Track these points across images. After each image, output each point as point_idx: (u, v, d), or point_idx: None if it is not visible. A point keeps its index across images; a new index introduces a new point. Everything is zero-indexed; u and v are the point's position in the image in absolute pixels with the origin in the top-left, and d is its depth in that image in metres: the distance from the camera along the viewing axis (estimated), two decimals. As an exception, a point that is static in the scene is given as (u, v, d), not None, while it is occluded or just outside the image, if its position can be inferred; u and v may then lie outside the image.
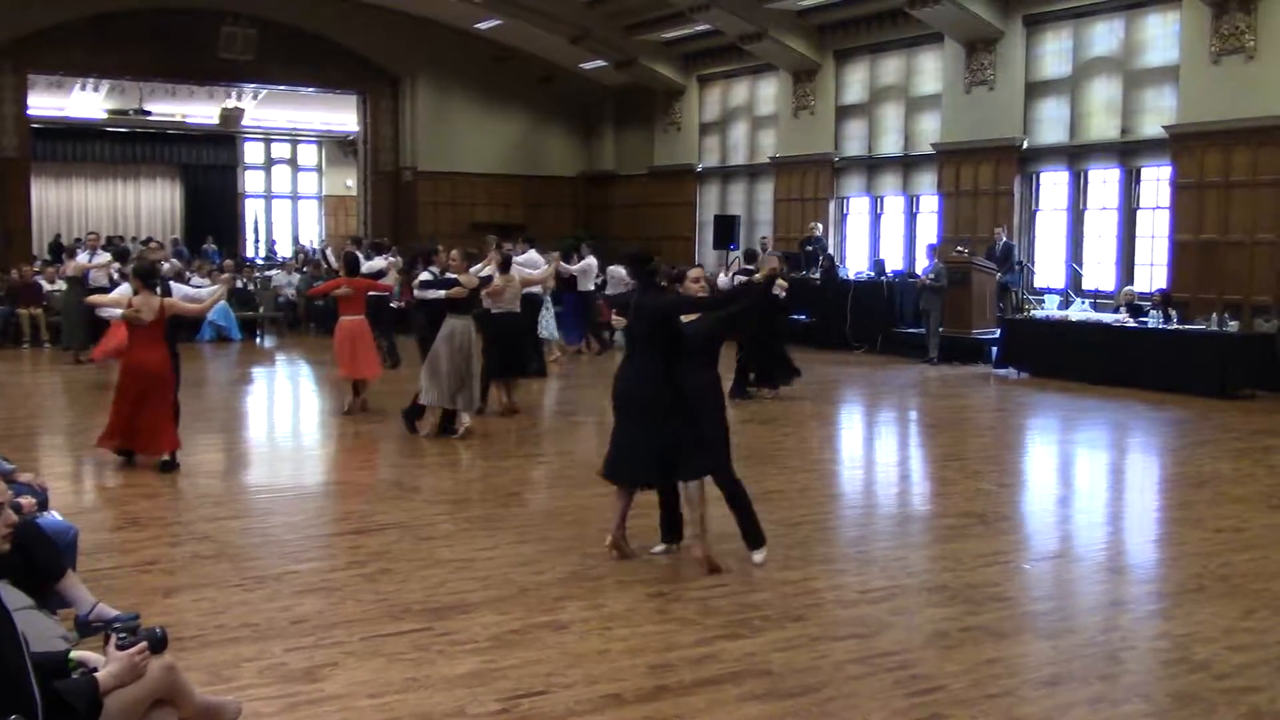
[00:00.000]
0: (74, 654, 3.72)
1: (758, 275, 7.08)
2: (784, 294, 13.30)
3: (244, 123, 30.59)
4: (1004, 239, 17.79)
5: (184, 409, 12.42)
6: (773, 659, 5.21)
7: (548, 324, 16.91)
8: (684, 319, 6.72)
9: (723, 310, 7.23)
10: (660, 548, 6.88)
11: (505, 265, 12.28)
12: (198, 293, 10.33)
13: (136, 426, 9.05)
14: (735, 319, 7.57)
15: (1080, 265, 17.71)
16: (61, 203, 30.88)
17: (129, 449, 9.22)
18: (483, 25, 24.83)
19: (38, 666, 3.43)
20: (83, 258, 16.49)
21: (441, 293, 10.64)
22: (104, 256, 16.04)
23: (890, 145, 20.88)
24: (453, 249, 11.51)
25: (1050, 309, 16.70)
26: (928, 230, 20.04)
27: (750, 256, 16.20)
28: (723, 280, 15.63)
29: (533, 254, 16.05)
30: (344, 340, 11.92)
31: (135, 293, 9.11)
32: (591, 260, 18.93)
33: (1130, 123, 16.85)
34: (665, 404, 6.52)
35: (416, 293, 10.96)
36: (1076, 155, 17.77)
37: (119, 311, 9.14)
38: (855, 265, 21.17)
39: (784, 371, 13.69)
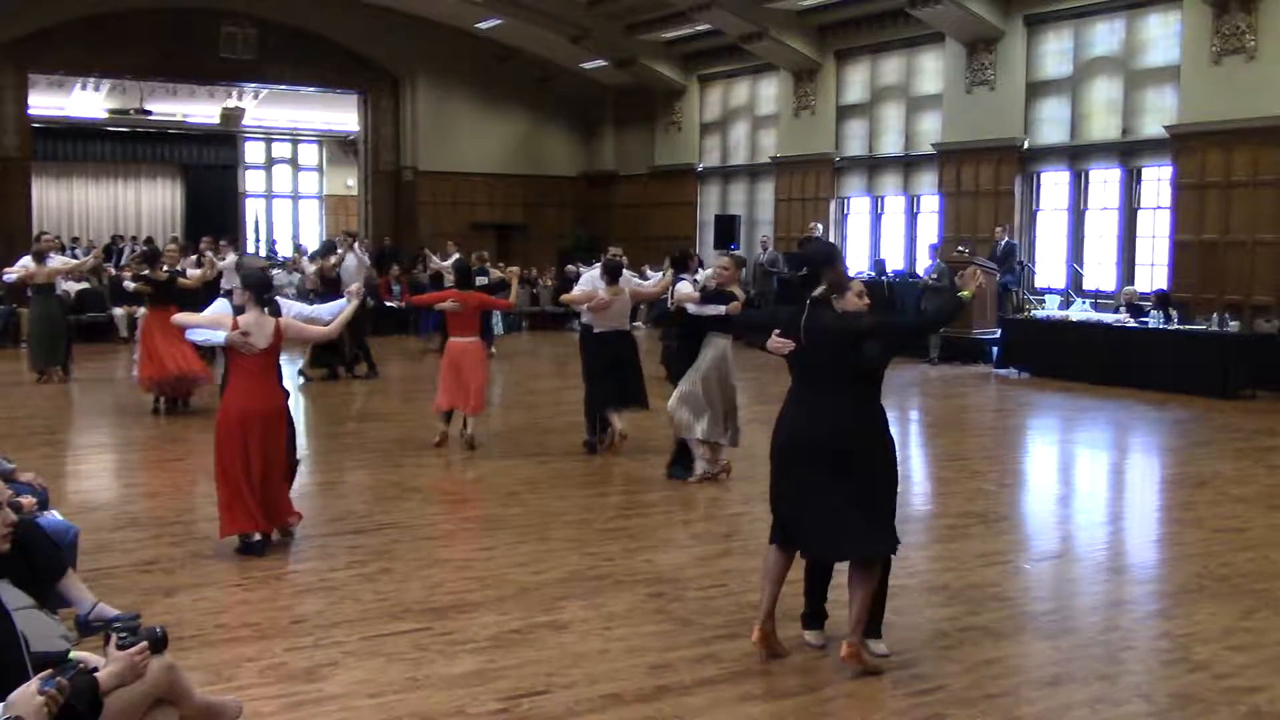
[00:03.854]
0: (73, 654, 3.73)
1: (965, 292, 5.21)
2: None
3: (245, 122, 30.58)
4: (1006, 239, 17.79)
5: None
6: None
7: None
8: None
9: (914, 324, 6.05)
10: (812, 636, 5.43)
11: (614, 275, 9.99)
12: (315, 310, 7.73)
13: (263, 495, 6.82)
14: (922, 330, 6.15)
15: (1081, 265, 17.70)
16: (62, 202, 30.87)
17: (265, 530, 6.89)
18: (483, 25, 24.82)
19: (37, 666, 3.44)
20: (55, 262, 14.80)
21: (722, 308, 8.43)
22: (56, 260, 14.96)
23: (891, 145, 20.88)
24: (721, 255, 9.52)
25: (1051, 309, 16.70)
26: (928, 230, 20.04)
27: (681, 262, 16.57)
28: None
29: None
30: (450, 364, 10.13)
31: (240, 310, 6.97)
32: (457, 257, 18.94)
33: (1131, 123, 16.84)
34: (872, 449, 5.15)
35: (692, 309, 8.67)
36: (1077, 155, 17.77)
37: (217, 336, 6.89)
38: (856, 265, 21.15)
39: None
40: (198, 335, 7.21)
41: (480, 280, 17.45)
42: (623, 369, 9.89)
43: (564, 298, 10.14)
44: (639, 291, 10.38)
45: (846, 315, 5.17)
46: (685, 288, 8.86)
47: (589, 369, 10.10)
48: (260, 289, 6.94)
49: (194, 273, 13.89)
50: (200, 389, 12.36)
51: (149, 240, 25.98)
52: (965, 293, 5.23)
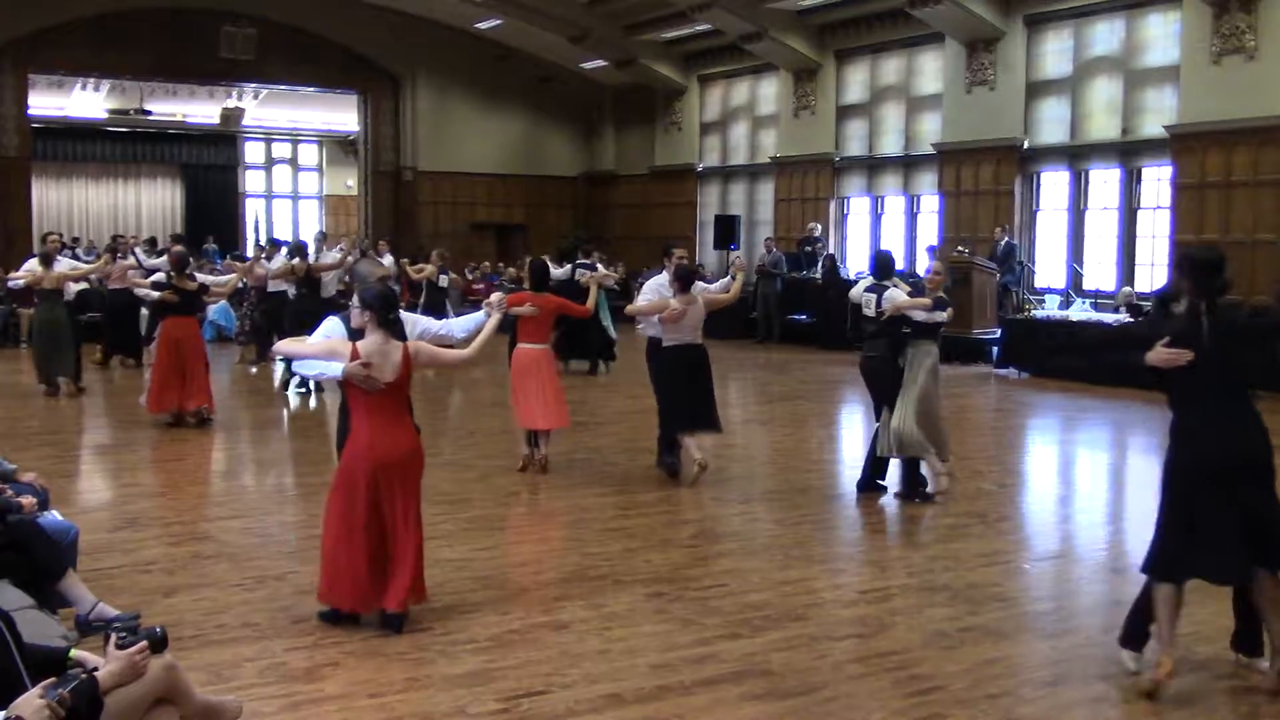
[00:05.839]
0: (73, 653, 3.73)
1: None
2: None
3: (244, 122, 30.60)
4: (1006, 239, 17.79)
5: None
6: (773, 659, 5.22)
7: None
8: None
9: None
10: (1267, 664, 5.03)
11: (686, 282, 8.98)
12: (446, 326, 6.31)
13: (380, 568, 5.49)
14: None
15: (1081, 265, 17.70)
16: (62, 203, 30.87)
17: (354, 609, 5.55)
18: (483, 25, 24.84)
19: (37, 665, 3.45)
20: (63, 265, 13.77)
21: (942, 315, 8.26)
22: (65, 264, 13.97)
23: (891, 145, 20.88)
24: (933, 260, 8.86)
25: (1051, 309, 16.69)
26: (928, 230, 20.04)
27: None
28: (560, 272, 15.93)
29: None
30: (522, 375, 9.17)
31: (356, 333, 5.58)
32: (389, 259, 18.59)
33: (1131, 123, 16.84)
34: (1271, 460, 4.89)
35: (921, 316, 8.29)
36: (1077, 155, 17.77)
37: (333, 368, 5.47)
38: (856, 265, 21.16)
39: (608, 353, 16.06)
40: (308, 368, 5.77)
41: (442, 281, 17.12)
42: (698, 386, 8.99)
43: (630, 309, 9.26)
44: (715, 299, 9.38)
45: (1257, 317, 4.90)
46: (899, 294, 8.31)
47: (664, 386, 9.15)
48: (383, 307, 5.49)
49: (224, 279, 13.62)
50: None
51: (151, 240, 25.99)
52: None
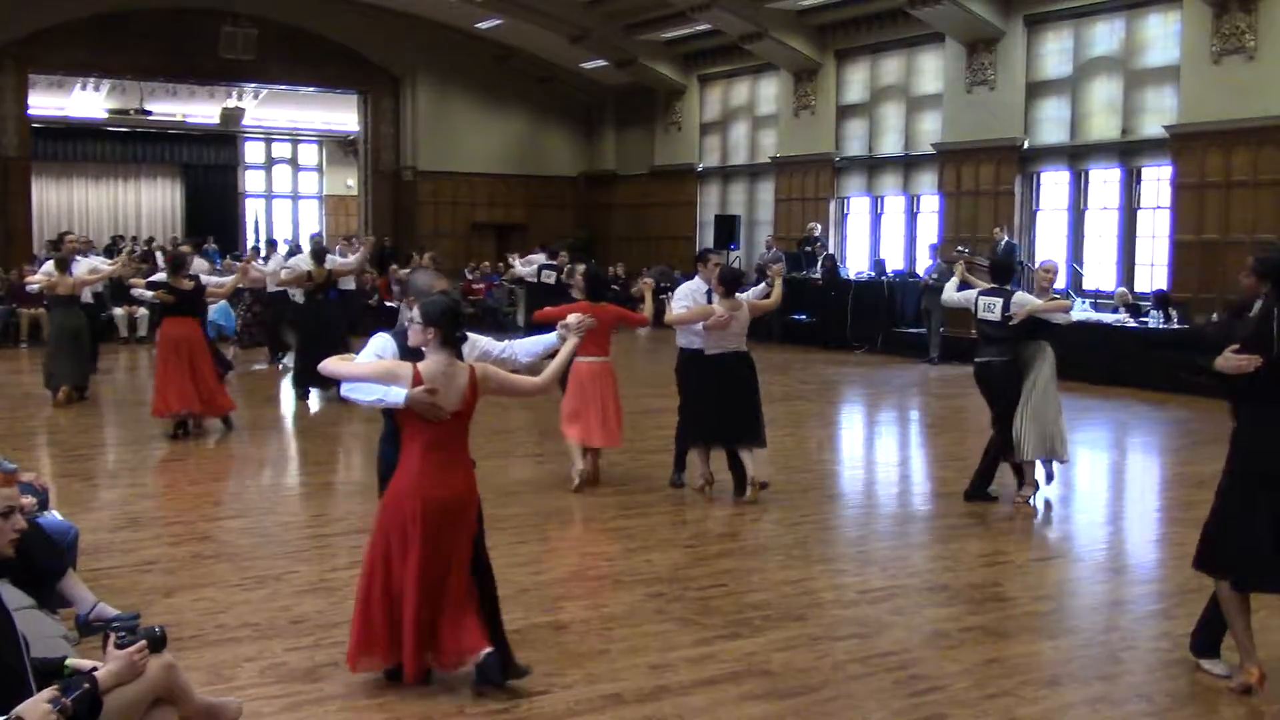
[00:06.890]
0: (69, 662, 3.72)
1: None
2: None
3: (244, 122, 30.57)
4: (1005, 239, 17.77)
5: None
6: (773, 659, 5.22)
7: None
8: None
9: None
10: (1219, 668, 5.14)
11: (731, 287, 8.41)
12: (509, 348, 5.48)
13: (431, 616, 4.80)
14: None
15: (1081, 265, 17.70)
16: (62, 202, 30.85)
17: (415, 668, 4.83)
18: (483, 25, 24.84)
19: (37, 671, 3.45)
20: (81, 268, 13.16)
21: (1073, 315, 8.08)
22: (86, 263, 13.45)
23: (891, 145, 20.87)
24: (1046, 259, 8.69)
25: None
26: (928, 230, 20.03)
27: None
28: (523, 269, 15.39)
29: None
30: (578, 389, 8.67)
31: (414, 354, 4.81)
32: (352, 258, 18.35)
33: (1131, 123, 16.83)
34: None
35: (1061, 319, 8.26)
36: (1077, 155, 17.76)
37: (393, 394, 4.67)
38: (856, 265, 21.17)
39: None
40: (362, 395, 4.76)
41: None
42: (741, 397, 8.45)
43: (669, 318, 8.68)
44: (759, 305, 8.85)
45: None
46: (1031, 298, 8.22)
47: (693, 396, 8.59)
48: (450, 324, 4.72)
49: (224, 279, 13.47)
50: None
51: (149, 241, 26.03)
52: None
